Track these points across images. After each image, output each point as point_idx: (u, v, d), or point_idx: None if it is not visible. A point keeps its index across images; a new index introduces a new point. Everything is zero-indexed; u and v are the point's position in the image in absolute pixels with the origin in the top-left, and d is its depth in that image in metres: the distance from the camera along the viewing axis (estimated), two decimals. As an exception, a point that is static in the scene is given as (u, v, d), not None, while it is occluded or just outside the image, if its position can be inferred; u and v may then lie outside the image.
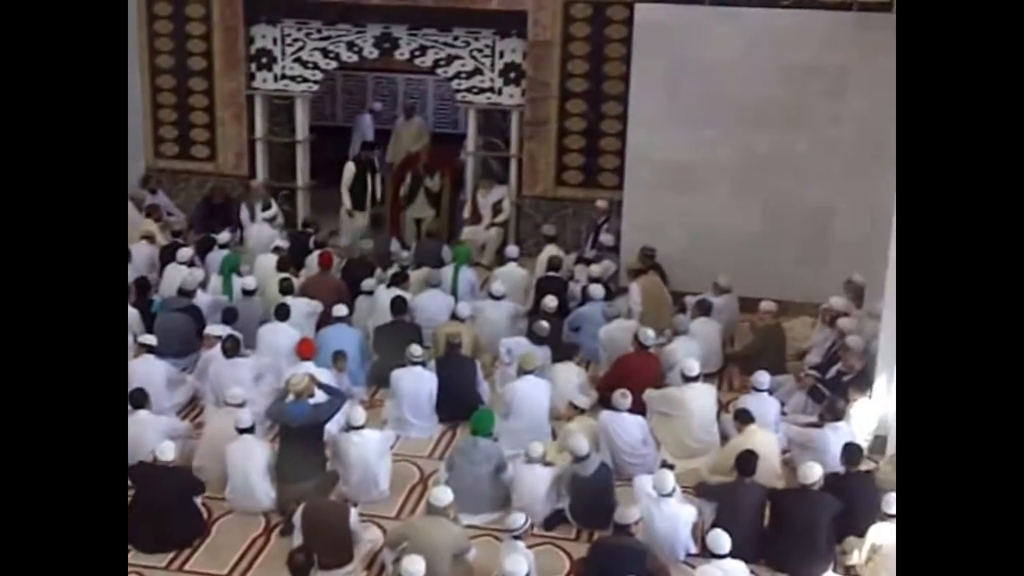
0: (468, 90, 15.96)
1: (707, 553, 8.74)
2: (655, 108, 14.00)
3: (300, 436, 10.11)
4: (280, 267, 13.80)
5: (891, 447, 10.97)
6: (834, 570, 9.37)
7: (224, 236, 14.78)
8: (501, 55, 15.75)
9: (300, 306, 12.72)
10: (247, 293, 13.09)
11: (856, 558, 9.28)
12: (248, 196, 15.97)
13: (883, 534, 9.14)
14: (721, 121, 13.77)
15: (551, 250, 14.31)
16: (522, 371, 11.34)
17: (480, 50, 15.78)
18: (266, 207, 15.84)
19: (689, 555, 9.34)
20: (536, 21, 15.31)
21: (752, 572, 8.88)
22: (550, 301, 12.79)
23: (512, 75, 15.76)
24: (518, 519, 9.05)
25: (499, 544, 9.46)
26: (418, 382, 11.52)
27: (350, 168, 16.14)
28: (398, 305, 12.58)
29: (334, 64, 16.37)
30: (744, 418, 10.46)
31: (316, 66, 16.31)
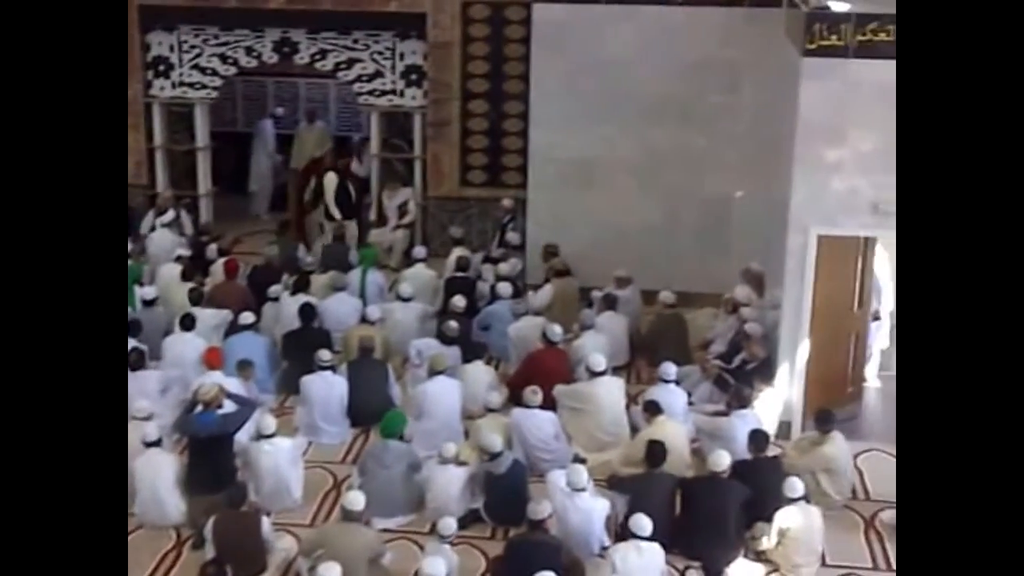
0: (370, 93, 15.93)
1: (628, 535, 8.88)
2: (556, 106, 14.10)
3: (209, 447, 10.03)
4: (185, 276, 13.67)
5: (796, 432, 11.22)
6: (744, 555, 9.55)
7: (131, 246, 14.56)
8: (402, 57, 15.73)
9: (206, 315, 12.60)
10: (147, 303, 12.92)
11: (765, 543, 9.47)
12: (156, 206, 15.77)
13: (791, 518, 9.36)
14: (620, 117, 13.89)
15: (459, 251, 14.33)
16: (433, 372, 11.37)
17: (380, 52, 15.75)
18: (161, 213, 15.59)
19: (603, 548, 9.40)
20: (435, 23, 15.32)
21: (666, 560, 9.03)
22: (459, 301, 12.83)
23: (413, 77, 15.75)
24: (449, 525, 9.10)
25: (414, 547, 9.50)
26: (328, 387, 11.49)
27: (332, 178, 15.87)
28: (306, 311, 12.53)
29: (233, 70, 16.23)
30: (653, 409, 10.59)
31: (215, 72, 16.17)
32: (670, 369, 11.28)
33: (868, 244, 11.45)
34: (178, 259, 14.31)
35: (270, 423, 10.35)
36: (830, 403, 10.91)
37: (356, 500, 9.18)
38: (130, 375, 11.20)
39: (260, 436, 10.29)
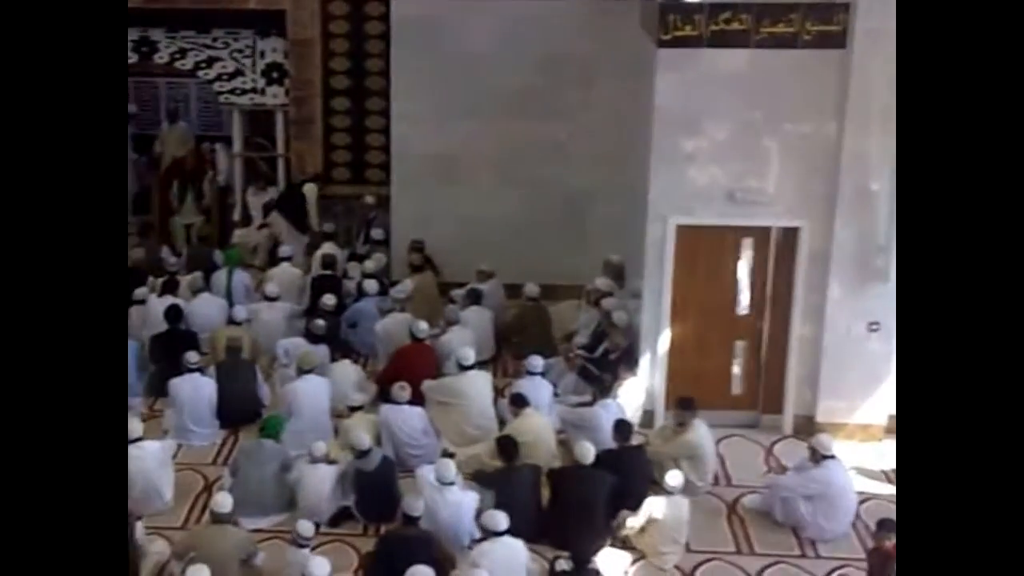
0: (231, 91, 15.85)
1: (487, 533, 9.03)
2: (418, 102, 14.18)
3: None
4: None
5: (659, 420, 11.48)
6: (612, 544, 9.79)
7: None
8: (262, 55, 15.70)
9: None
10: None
11: (630, 530, 9.71)
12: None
13: (658, 506, 9.61)
14: (481, 112, 14.01)
15: (324, 248, 14.35)
16: (301, 371, 11.42)
17: (241, 51, 15.69)
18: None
19: (474, 541, 9.52)
20: (295, 20, 15.31)
21: (533, 551, 9.23)
22: (328, 299, 12.86)
23: (275, 75, 15.71)
24: (307, 528, 9.14)
25: (288, 547, 9.51)
26: (197, 389, 11.48)
27: (312, 188, 15.54)
28: (172, 313, 12.47)
29: (91, 69, 15.95)
30: (519, 402, 10.77)
31: (72, 72, 15.87)
32: (536, 361, 11.49)
33: (745, 244, 11.47)
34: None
35: (137, 427, 10.29)
36: (709, 403, 11.05)
37: (224, 502, 9.22)
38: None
39: (128, 441, 10.22)
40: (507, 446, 10.02)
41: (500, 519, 8.97)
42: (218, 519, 9.17)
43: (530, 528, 9.43)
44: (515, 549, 8.99)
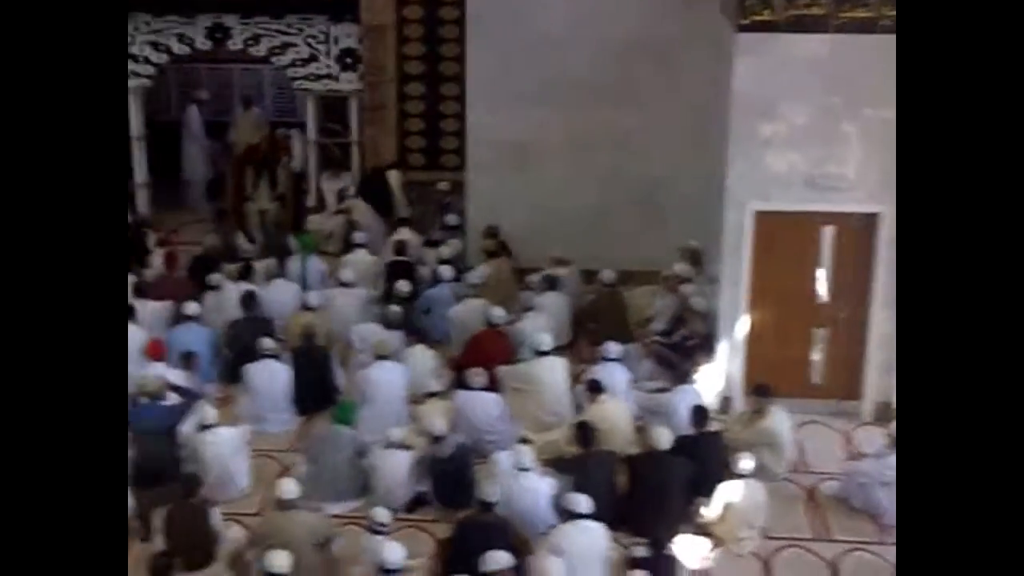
0: (305, 77, 15.87)
1: (567, 515, 8.97)
2: (492, 88, 14.04)
3: (154, 439, 10.02)
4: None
5: (737, 407, 11.37)
6: (688, 530, 9.69)
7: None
8: (336, 41, 15.68)
9: (148, 307, 12.53)
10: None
11: (709, 516, 9.62)
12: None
13: (734, 491, 9.51)
14: (558, 97, 13.84)
15: (399, 234, 14.33)
16: (376, 357, 11.40)
17: (315, 36, 15.69)
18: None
19: (550, 527, 9.43)
20: (369, 5, 15.33)
21: (610, 538, 9.14)
22: (403, 286, 12.83)
23: (348, 60, 15.71)
24: (383, 514, 9.13)
25: (363, 532, 9.51)
26: (272, 375, 11.50)
27: (396, 175, 15.61)
28: (247, 299, 12.50)
29: (166, 57, 16.09)
30: (595, 388, 10.70)
31: (147, 60, 16.03)
32: (612, 348, 11.40)
33: (824, 230, 11.33)
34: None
35: (211, 414, 10.36)
36: (787, 391, 10.96)
37: (289, 489, 9.23)
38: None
39: (202, 427, 10.28)
40: (584, 432, 9.95)
41: (581, 502, 8.92)
42: (284, 505, 9.18)
43: (607, 514, 9.32)
44: (595, 533, 8.95)
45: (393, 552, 8.51)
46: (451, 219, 14.75)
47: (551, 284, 13.01)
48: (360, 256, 14.08)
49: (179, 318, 12.42)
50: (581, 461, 9.86)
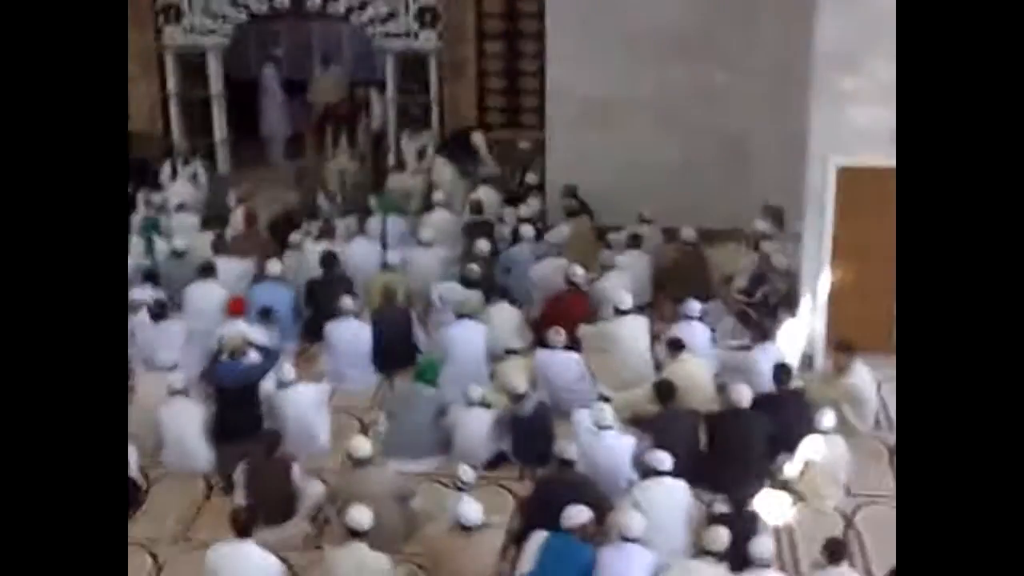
0: (384, 35, 15.83)
1: (649, 472, 8.89)
2: (573, 44, 13.94)
3: (235, 396, 10.12)
4: (205, 225, 13.70)
5: (818, 364, 11.22)
6: (770, 486, 9.60)
7: (155, 197, 14.54)
8: (415, -2, 15.64)
9: (228, 265, 12.61)
10: (177, 255, 12.92)
11: (790, 473, 9.52)
12: (168, 156, 15.75)
13: (816, 448, 9.41)
14: (639, 54, 13.71)
15: (478, 192, 14.28)
16: (457, 316, 11.38)
17: (394, -7, 15.66)
18: (185, 163, 15.61)
19: (630, 484, 9.35)
20: (449, -38, 15.22)
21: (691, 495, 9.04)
22: (482, 244, 12.78)
23: (428, 18, 15.64)
24: (467, 472, 9.11)
25: (443, 489, 9.54)
26: (352, 334, 11.51)
27: (480, 137, 15.51)
28: (328, 258, 12.51)
29: (244, 15, 16.13)
30: (676, 346, 10.60)
31: (225, 17, 16.08)
32: (693, 306, 11.26)
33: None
34: (179, 207, 14.30)
35: (290, 371, 10.40)
36: (871, 347, 10.66)
37: (362, 446, 9.22)
38: (153, 325, 11.31)
39: (281, 384, 10.33)
40: (664, 390, 9.86)
41: (663, 459, 8.83)
42: (357, 463, 9.18)
43: (688, 472, 9.18)
44: (677, 490, 8.86)
45: (472, 509, 8.48)
46: (531, 178, 14.67)
47: (632, 242, 12.91)
48: (440, 215, 14.05)
49: (260, 276, 12.47)
50: (662, 419, 9.76)
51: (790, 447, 9.56)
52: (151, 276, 12.33)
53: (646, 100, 13.90)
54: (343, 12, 15.91)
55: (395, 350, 11.60)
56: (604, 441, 9.48)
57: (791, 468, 9.54)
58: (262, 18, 16.72)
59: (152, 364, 10.80)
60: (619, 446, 9.53)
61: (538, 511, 8.95)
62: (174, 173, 15.52)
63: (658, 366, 11.04)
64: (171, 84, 16.42)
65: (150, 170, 15.69)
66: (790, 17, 11.89)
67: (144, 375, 10.89)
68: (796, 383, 10.44)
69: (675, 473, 8.90)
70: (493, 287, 12.29)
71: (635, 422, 9.98)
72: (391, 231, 13.79)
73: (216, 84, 16.49)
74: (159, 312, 11.39)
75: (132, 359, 11.41)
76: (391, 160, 16.14)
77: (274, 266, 12.35)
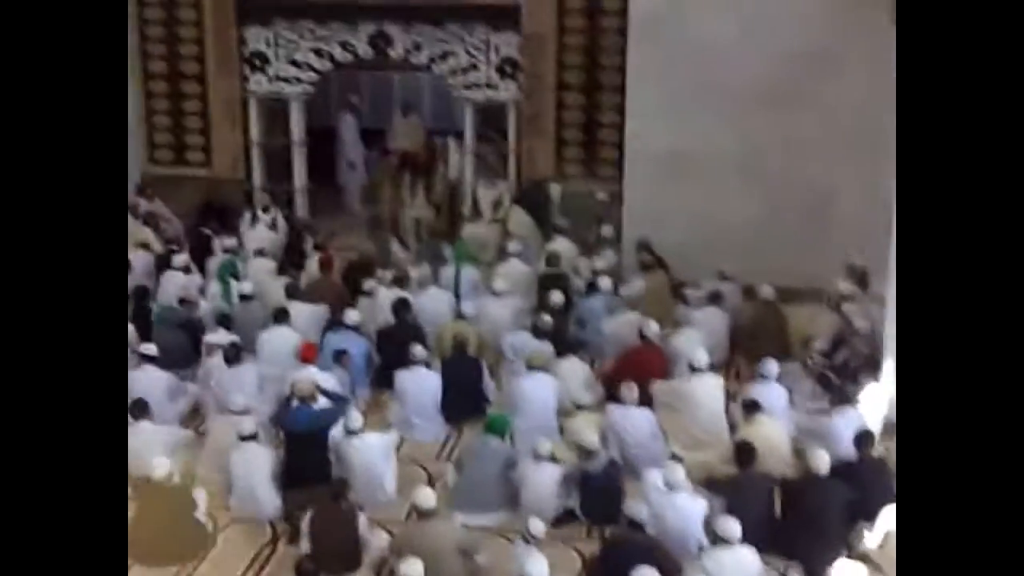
0: (464, 86, 15.87)
1: (718, 540, 8.66)
2: (652, 97, 13.83)
3: (305, 442, 10.05)
4: (280, 271, 13.74)
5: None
6: (847, 557, 9.29)
7: (229, 242, 14.64)
8: (496, 49, 15.66)
9: (302, 310, 12.62)
10: (244, 298, 12.97)
11: (870, 544, 9.25)
12: (249, 203, 15.86)
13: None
14: (719, 107, 13.57)
15: (554, 244, 14.17)
16: (528, 367, 11.25)
17: (475, 45, 15.69)
18: (265, 210, 15.73)
19: (701, 548, 9.16)
20: (530, 14, 15.24)
21: (764, 562, 8.83)
22: (556, 296, 12.68)
23: (508, 69, 15.65)
24: (538, 526, 8.94)
25: (509, 544, 9.36)
26: (422, 383, 11.43)
27: (558, 187, 15.48)
28: (400, 306, 12.46)
29: (328, 64, 16.26)
30: (753, 408, 10.39)
31: (310, 67, 16.21)
32: (771, 366, 11.04)
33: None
34: (258, 252, 14.36)
35: (357, 419, 10.31)
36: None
37: (427, 497, 9.10)
38: (227, 369, 11.33)
39: (349, 432, 10.26)
40: (745, 451, 9.63)
41: (734, 527, 8.58)
42: (423, 515, 9.07)
43: (761, 538, 8.97)
44: (747, 559, 8.61)
45: (539, 565, 8.30)
46: (606, 230, 14.55)
47: (709, 299, 12.73)
48: (514, 266, 13.96)
49: (334, 323, 12.43)
50: (737, 482, 9.55)
51: (870, 517, 9.31)
52: (226, 320, 12.37)
53: (727, 153, 13.73)
54: (425, 63, 15.93)
55: (464, 400, 11.50)
56: (675, 502, 9.29)
57: (871, 539, 9.27)
58: (344, 67, 16.83)
59: (225, 407, 10.78)
60: (691, 508, 9.33)
61: (605, 572, 8.82)
62: (253, 219, 15.60)
63: (732, 427, 10.84)
64: (254, 131, 16.52)
65: (231, 215, 15.81)
66: (877, 70, 11.65)
67: (217, 418, 10.94)
68: (878, 450, 10.15)
69: (747, 539, 8.67)
70: (565, 340, 12.14)
71: (708, 484, 9.76)
72: (464, 280, 13.72)
73: (297, 132, 16.59)
74: (233, 356, 11.40)
75: (206, 402, 11.50)
76: (467, 210, 16.09)
77: (352, 315, 12.30)
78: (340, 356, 11.57)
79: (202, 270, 14.17)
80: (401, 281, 13.32)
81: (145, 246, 14.62)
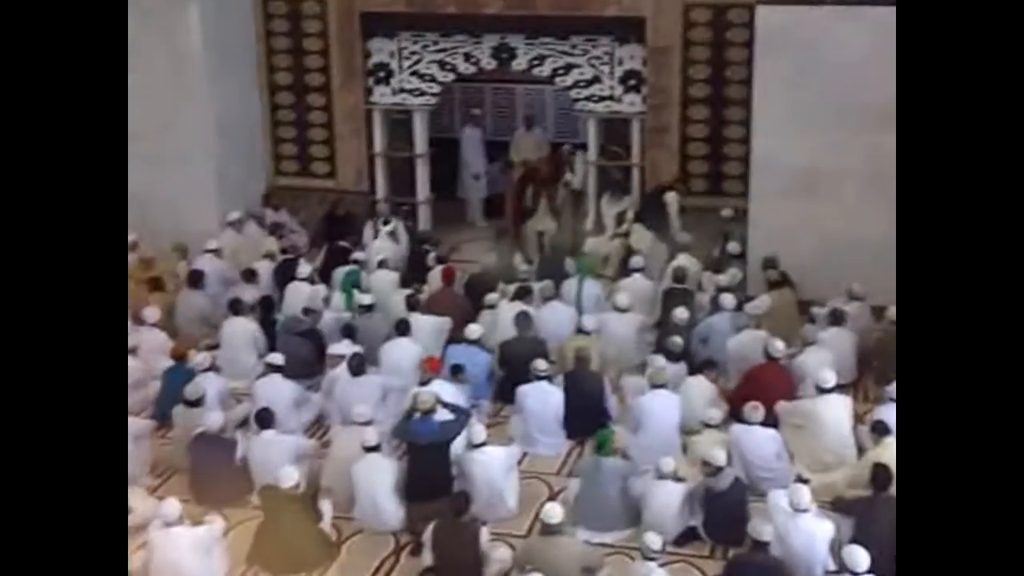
0: (587, 98, 15.82)
1: (845, 570, 8.48)
2: (779, 112, 13.60)
3: (427, 454, 10.08)
4: (403, 283, 13.82)
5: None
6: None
7: (360, 254, 14.76)
8: (620, 62, 15.59)
9: (425, 322, 12.67)
10: (364, 309, 13.06)
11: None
12: (371, 216, 15.99)
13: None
14: (848, 124, 13.28)
15: (680, 260, 14.03)
16: (652, 385, 11.14)
17: (599, 57, 15.64)
18: (385, 222, 15.84)
19: (828, 573, 9.06)
20: (655, 27, 15.14)
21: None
22: (681, 313, 12.53)
23: (632, 82, 15.57)
24: (655, 541, 8.81)
25: (631, 563, 9.27)
26: (544, 397, 11.38)
27: (673, 197, 15.15)
28: (522, 320, 12.45)
29: (452, 76, 16.34)
30: (881, 430, 10.12)
31: (434, 79, 16.31)
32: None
33: None
34: (380, 264, 14.46)
35: (480, 432, 10.31)
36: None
37: (554, 513, 9.04)
38: (351, 380, 11.42)
39: (472, 445, 10.25)
40: (881, 474, 9.35)
41: (861, 557, 8.40)
42: (548, 530, 9.00)
43: (890, 563, 8.69)
44: (876, 588, 8.39)
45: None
46: (733, 247, 14.34)
47: (837, 318, 12.46)
48: (637, 281, 13.85)
49: (456, 337, 12.46)
50: (867, 505, 9.32)
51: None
52: (349, 330, 12.47)
53: (856, 171, 13.43)
54: (548, 75, 15.91)
55: (586, 416, 11.39)
56: (800, 524, 9.12)
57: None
58: (468, 79, 16.89)
59: (348, 418, 10.86)
60: (817, 531, 9.16)
61: (729, 593, 8.69)
62: (376, 231, 15.71)
63: (860, 449, 10.61)
64: (378, 143, 16.66)
65: (355, 226, 15.95)
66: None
67: (340, 429, 11.02)
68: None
69: (876, 563, 8.47)
70: (690, 358, 12.01)
71: (838, 506, 9.60)
72: (587, 295, 13.64)
73: (421, 144, 16.69)
74: (357, 366, 11.47)
75: (329, 412, 11.60)
76: (590, 223, 16.02)
77: (474, 330, 12.32)
78: (457, 370, 11.58)
79: (328, 282, 14.31)
80: (523, 294, 13.29)
81: (271, 256, 14.82)
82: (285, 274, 14.28)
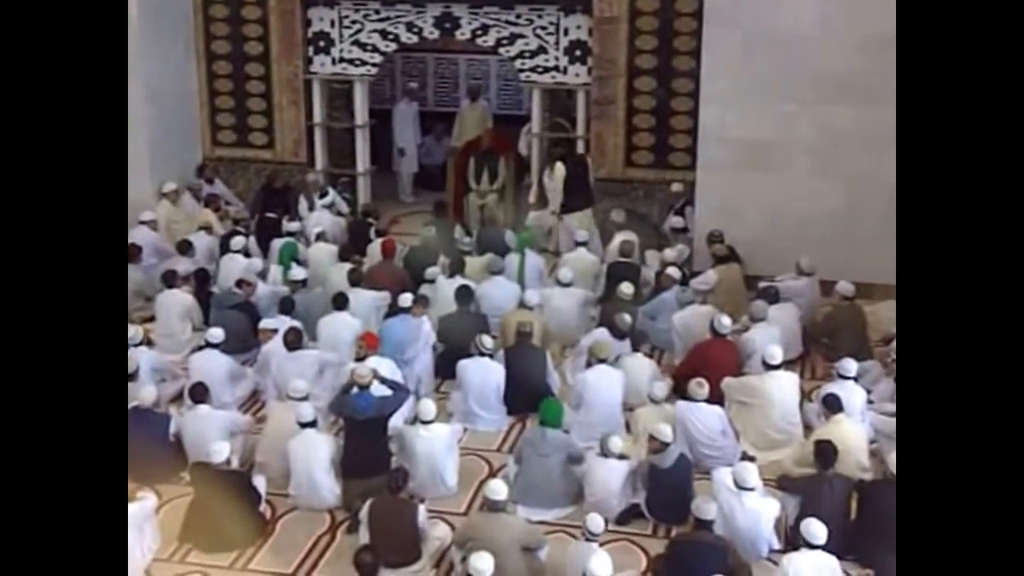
0: (532, 70, 15.54)
1: (800, 542, 8.37)
2: (728, 84, 13.45)
3: (365, 430, 9.83)
4: (343, 256, 13.52)
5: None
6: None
7: (293, 225, 14.44)
8: (566, 32, 15.33)
9: (364, 296, 12.39)
10: (298, 284, 12.77)
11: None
12: (306, 188, 15.65)
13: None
14: (798, 96, 13.18)
15: (622, 235, 13.81)
16: (594, 360, 10.91)
17: (544, 28, 15.37)
18: (323, 195, 15.52)
19: (772, 551, 8.97)
20: (602, -4, 14.87)
21: (839, 568, 8.57)
22: (626, 288, 12.34)
23: (578, 53, 15.32)
24: (597, 523, 8.60)
25: (573, 540, 9.06)
26: (485, 373, 11.15)
27: (561, 169, 14.99)
28: (463, 294, 12.21)
29: (394, 46, 16.02)
30: (833, 406, 10.00)
31: (375, 48, 15.97)
32: (850, 365, 10.62)
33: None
34: (319, 236, 14.22)
35: (431, 408, 10.07)
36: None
37: (498, 489, 8.82)
38: (287, 355, 11.19)
39: (418, 421, 10.03)
40: (826, 451, 9.21)
41: (819, 531, 8.26)
42: (493, 507, 8.79)
43: (836, 542, 8.61)
44: (828, 565, 8.28)
45: (602, 563, 8.00)
46: (677, 221, 14.17)
47: (772, 296, 12.27)
48: (580, 255, 13.64)
49: (395, 309, 12.18)
50: (813, 483, 9.18)
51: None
52: (288, 304, 12.15)
53: (804, 144, 13.34)
54: (492, 45, 15.62)
55: (528, 391, 11.16)
56: (746, 503, 8.98)
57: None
58: (411, 49, 16.55)
59: (284, 394, 10.61)
60: (762, 509, 9.03)
61: (671, 572, 8.56)
62: (311, 203, 15.39)
63: (807, 426, 10.54)
64: (317, 114, 16.31)
65: (293, 198, 15.63)
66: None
67: (276, 405, 10.77)
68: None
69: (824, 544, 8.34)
70: (632, 333, 11.80)
71: (783, 484, 9.48)
72: (529, 269, 13.46)
73: (361, 115, 16.35)
74: (293, 341, 11.18)
75: (265, 388, 11.32)
76: (532, 197, 15.76)
77: (405, 299, 12.02)
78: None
79: (267, 253, 13.98)
80: (463, 268, 13.04)
81: (207, 228, 14.50)
82: (226, 246, 13.95)
